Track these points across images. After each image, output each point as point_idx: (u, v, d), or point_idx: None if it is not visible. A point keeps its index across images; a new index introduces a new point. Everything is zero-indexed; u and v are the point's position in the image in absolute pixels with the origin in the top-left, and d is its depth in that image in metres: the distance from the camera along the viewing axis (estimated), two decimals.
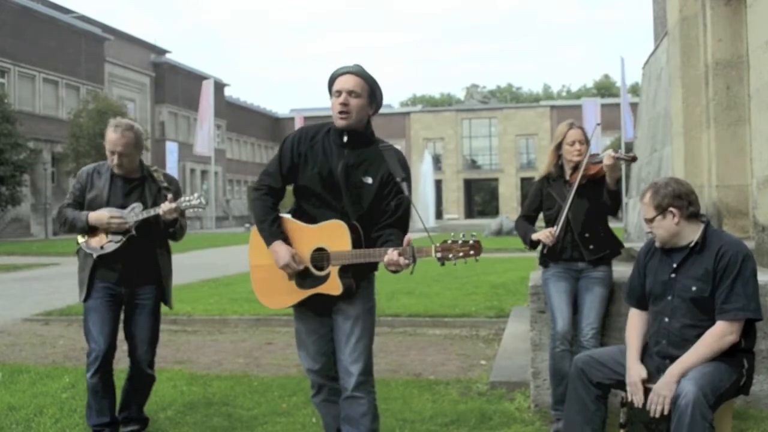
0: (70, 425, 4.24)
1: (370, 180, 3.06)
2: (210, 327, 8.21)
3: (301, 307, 3.19)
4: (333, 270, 3.01)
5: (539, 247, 4.25)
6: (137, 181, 3.94)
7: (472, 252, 2.83)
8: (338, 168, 3.06)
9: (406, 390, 4.97)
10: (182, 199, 3.80)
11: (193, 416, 4.43)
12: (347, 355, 3.08)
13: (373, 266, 3.16)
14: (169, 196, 3.81)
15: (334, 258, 3.00)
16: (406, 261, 2.82)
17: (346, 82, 3.03)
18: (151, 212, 3.78)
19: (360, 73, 3.07)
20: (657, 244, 3.21)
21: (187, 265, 15.27)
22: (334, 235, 3.00)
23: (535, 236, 4.16)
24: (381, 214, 3.05)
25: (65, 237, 27.99)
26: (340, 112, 3.03)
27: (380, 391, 4.36)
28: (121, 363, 4.15)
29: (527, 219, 4.35)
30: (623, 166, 4.11)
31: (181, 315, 8.62)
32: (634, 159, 4.07)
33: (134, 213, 3.81)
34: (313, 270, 3.07)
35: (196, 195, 3.79)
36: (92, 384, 3.84)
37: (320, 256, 3.05)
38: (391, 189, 3.04)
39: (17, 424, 4.27)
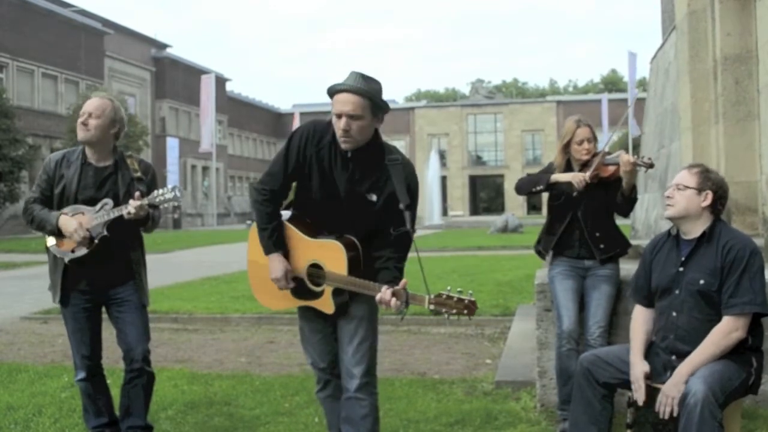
0: (70, 425, 4.19)
1: (374, 197, 2.96)
2: (211, 325, 8.15)
3: (305, 306, 3.16)
4: (327, 290, 2.98)
5: (539, 243, 4.22)
6: (109, 169, 3.62)
7: (465, 311, 2.81)
8: (342, 182, 2.97)
9: (410, 389, 4.93)
10: (154, 193, 3.48)
11: (194, 416, 4.38)
12: (350, 356, 3.05)
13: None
14: (137, 193, 3.47)
15: (329, 278, 2.96)
16: (398, 304, 2.80)
17: (345, 105, 2.84)
18: (116, 213, 3.46)
19: (359, 90, 2.84)
20: (667, 214, 3.18)
21: (188, 263, 15.19)
22: (331, 255, 2.95)
23: (564, 176, 4.02)
24: (385, 229, 2.97)
25: None
26: (342, 137, 2.90)
27: (384, 390, 4.33)
28: (113, 362, 4.08)
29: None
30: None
31: (182, 313, 8.60)
32: (651, 166, 3.99)
33: (104, 211, 3.50)
34: (308, 284, 3.04)
35: (170, 187, 3.45)
36: (83, 387, 3.75)
37: (316, 273, 3.01)
38: (395, 209, 2.93)
39: (16, 424, 4.23)
